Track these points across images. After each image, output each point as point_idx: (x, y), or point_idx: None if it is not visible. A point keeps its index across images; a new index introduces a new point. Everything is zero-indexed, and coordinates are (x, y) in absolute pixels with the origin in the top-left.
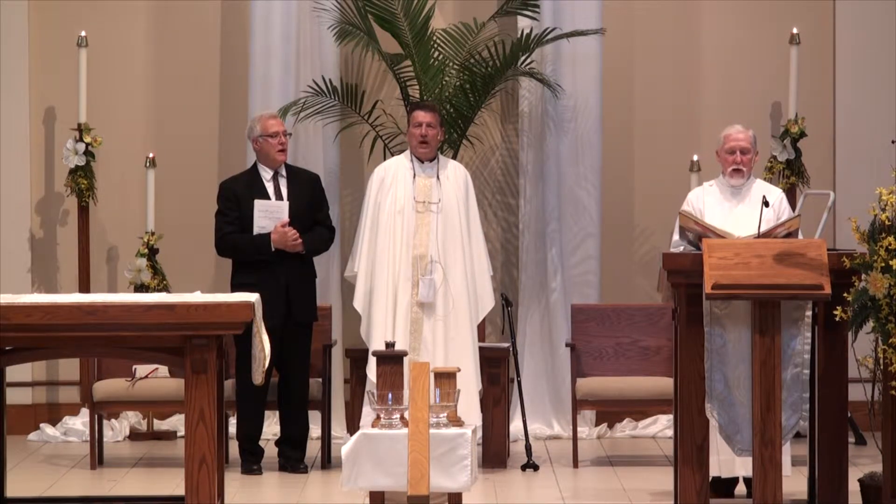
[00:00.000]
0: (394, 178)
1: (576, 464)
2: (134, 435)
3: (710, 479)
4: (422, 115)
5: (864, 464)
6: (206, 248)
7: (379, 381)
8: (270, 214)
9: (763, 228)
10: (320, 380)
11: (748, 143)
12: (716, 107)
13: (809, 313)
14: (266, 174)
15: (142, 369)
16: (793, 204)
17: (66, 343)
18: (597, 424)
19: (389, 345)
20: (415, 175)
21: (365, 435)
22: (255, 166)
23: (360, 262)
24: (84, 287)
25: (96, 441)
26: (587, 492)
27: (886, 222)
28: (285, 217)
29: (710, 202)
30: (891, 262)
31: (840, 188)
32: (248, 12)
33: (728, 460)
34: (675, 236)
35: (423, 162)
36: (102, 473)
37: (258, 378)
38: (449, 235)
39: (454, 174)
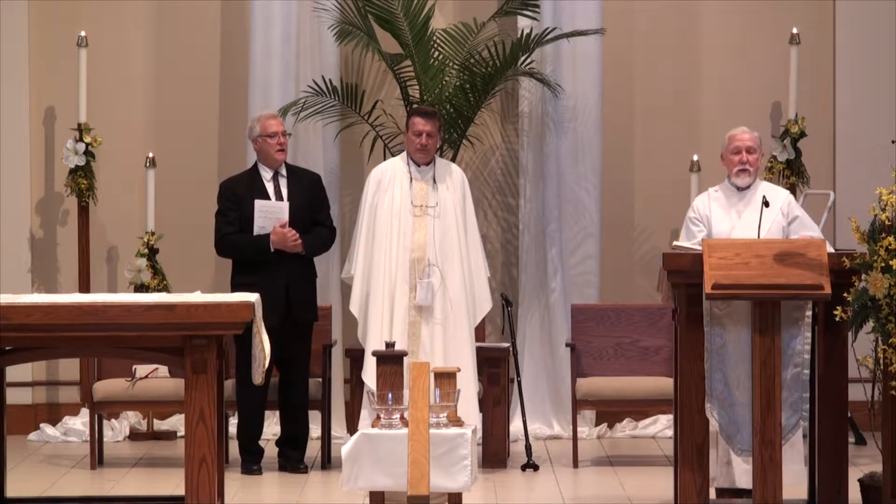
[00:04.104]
0: (391, 180)
1: (576, 464)
2: (134, 435)
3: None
4: (421, 124)
5: (864, 464)
6: (206, 248)
7: (379, 381)
8: (270, 215)
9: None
10: (320, 380)
11: (754, 143)
12: (716, 107)
13: (809, 313)
14: (266, 174)
15: (142, 369)
16: None
17: (66, 343)
18: (597, 424)
19: (389, 345)
20: (412, 179)
21: (365, 435)
22: (255, 166)
23: (356, 265)
24: (84, 287)
25: (96, 441)
26: (587, 492)
27: (886, 222)
28: (285, 218)
29: (716, 208)
30: (891, 262)
31: (840, 188)
32: (248, 12)
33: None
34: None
35: (420, 165)
36: (102, 473)
37: (258, 378)
38: (446, 238)
39: (451, 177)
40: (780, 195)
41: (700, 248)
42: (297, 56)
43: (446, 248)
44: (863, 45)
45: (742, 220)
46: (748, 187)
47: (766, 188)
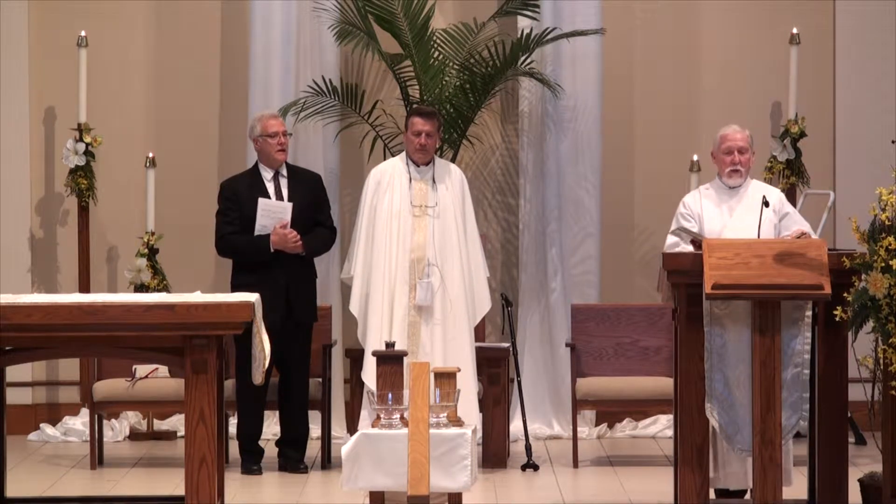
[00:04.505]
0: (390, 181)
1: (576, 464)
2: (134, 435)
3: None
4: (420, 124)
5: (864, 464)
6: (206, 248)
7: (379, 381)
8: (273, 214)
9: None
10: (320, 380)
11: (745, 143)
12: (716, 107)
13: (809, 313)
14: (267, 174)
15: (142, 369)
16: (792, 204)
17: (66, 343)
18: (597, 424)
19: (389, 345)
20: (411, 179)
21: (365, 435)
22: (256, 166)
23: (356, 265)
24: (84, 287)
25: (96, 441)
26: (587, 492)
27: (886, 222)
28: (287, 218)
29: (707, 206)
30: (891, 262)
31: (840, 188)
32: (248, 12)
33: (735, 473)
34: (670, 239)
35: (419, 165)
36: (102, 473)
37: (258, 378)
38: (446, 238)
39: (450, 177)
40: (773, 194)
41: (697, 231)
42: (297, 56)
43: (446, 249)
44: (863, 45)
45: (734, 217)
46: (739, 186)
47: (757, 186)
